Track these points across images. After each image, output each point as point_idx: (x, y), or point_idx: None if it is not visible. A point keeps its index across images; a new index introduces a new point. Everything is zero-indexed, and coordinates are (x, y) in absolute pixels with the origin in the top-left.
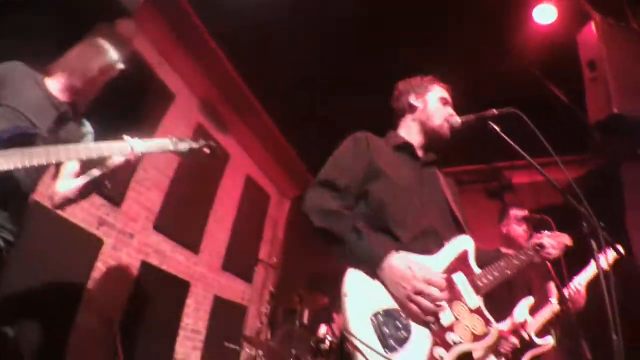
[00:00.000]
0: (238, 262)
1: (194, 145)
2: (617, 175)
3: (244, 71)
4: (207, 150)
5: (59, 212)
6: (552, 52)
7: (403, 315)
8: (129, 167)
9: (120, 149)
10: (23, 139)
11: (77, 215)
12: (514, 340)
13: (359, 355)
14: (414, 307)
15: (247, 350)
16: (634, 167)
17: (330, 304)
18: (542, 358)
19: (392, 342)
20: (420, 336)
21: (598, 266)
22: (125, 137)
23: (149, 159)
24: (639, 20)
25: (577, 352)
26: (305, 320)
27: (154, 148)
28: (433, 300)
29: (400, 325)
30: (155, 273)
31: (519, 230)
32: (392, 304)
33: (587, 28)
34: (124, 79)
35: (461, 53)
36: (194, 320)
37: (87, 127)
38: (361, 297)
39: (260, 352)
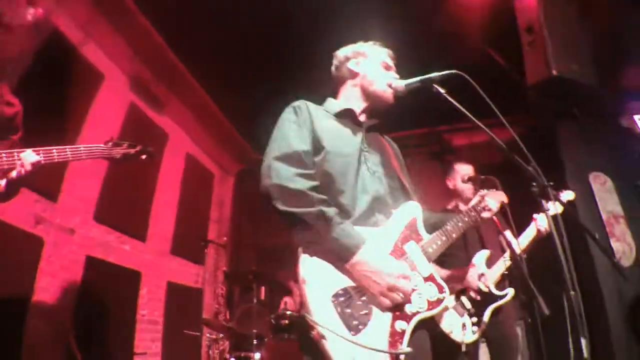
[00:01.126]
0: (187, 245)
1: (130, 151)
2: (554, 133)
3: (175, 45)
4: (143, 157)
5: None
6: (491, 15)
7: (363, 293)
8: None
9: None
10: None
11: (10, 215)
12: (474, 294)
13: (324, 342)
14: (386, 301)
15: (207, 335)
16: (569, 124)
17: (285, 276)
18: (504, 311)
19: (355, 322)
20: (380, 312)
21: (549, 223)
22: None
23: (81, 143)
24: None
25: (531, 307)
26: (262, 296)
27: (85, 154)
28: (405, 294)
29: (361, 304)
30: (102, 267)
31: (464, 185)
32: (349, 282)
33: None
34: (47, 61)
35: (400, 15)
36: (150, 310)
37: (17, 106)
38: (319, 281)
39: (221, 335)
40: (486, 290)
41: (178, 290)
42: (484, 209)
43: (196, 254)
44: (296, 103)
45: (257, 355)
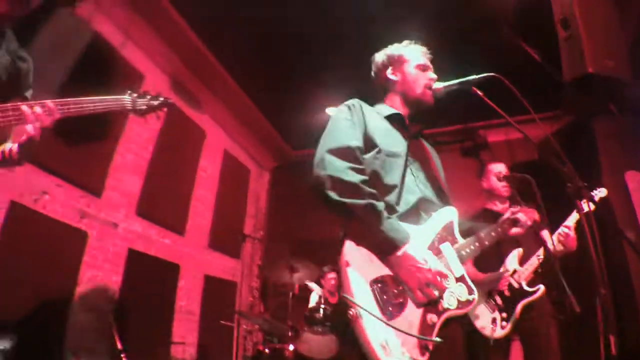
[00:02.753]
0: (224, 239)
1: (154, 102)
2: (589, 129)
3: (212, 45)
4: (164, 109)
5: (39, 209)
6: (526, 9)
7: (399, 283)
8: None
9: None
10: None
11: (57, 210)
12: (507, 290)
13: (360, 321)
14: (422, 296)
15: (243, 327)
16: (605, 120)
17: (319, 271)
18: (537, 306)
19: (390, 308)
20: (417, 303)
21: (583, 219)
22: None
23: (124, 144)
24: None
25: (563, 304)
26: (297, 290)
27: (111, 104)
28: (440, 291)
29: (397, 292)
30: (143, 259)
31: (499, 184)
32: (387, 272)
33: None
34: (89, 63)
35: (433, 11)
36: (187, 302)
37: (29, 64)
38: (361, 265)
39: (256, 326)
40: (517, 286)
41: (214, 282)
42: (514, 223)
43: (232, 248)
44: (350, 102)
45: (291, 347)
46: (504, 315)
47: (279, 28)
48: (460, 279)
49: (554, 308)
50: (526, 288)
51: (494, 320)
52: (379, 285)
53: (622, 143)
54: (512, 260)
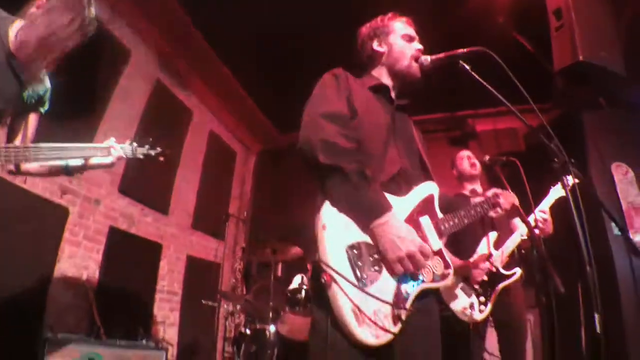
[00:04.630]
0: (208, 220)
1: (151, 152)
2: (579, 122)
3: (202, 24)
4: (161, 159)
5: (19, 184)
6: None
7: (374, 251)
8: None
9: (102, 155)
10: None
11: (38, 185)
12: (483, 274)
13: (334, 285)
14: (399, 267)
15: (224, 307)
16: (595, 113)
17: (303, 254)
18: (512, 293)
19: (364, 275)
20: (393, 273)
21: (567, 193)
22: (111, 143)
23: (108, 120)
24: None
25: (547, 286)
26: (280, 272)
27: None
28: (420, 266)
29: (372, 260)
30: (125, 238)
31: (464, 163)
32: (365, 238)
33: None
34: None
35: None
36: (169, 282)
37: (46, 83)
38: (338, 229)
39: (238, 307)
40: (494, 270)
41: (197, 263)
42: (494, 205)
43: (216, 229)
44: (336, 70)
45: (272, 328)
46: (482, 299)
47: (270, 9)
48: (437, 253)
49: (536, 291)
50: (503, 271)
51: (471, 305)
52: (355, 251)
53: (610, 136)
54: (486, 244)
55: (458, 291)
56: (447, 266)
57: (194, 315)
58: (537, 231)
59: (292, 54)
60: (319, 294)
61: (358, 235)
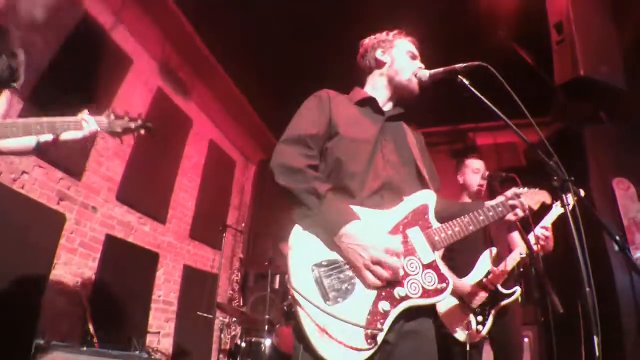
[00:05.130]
0: (206, 230)
1: (131, 125)
2: (580, 136)
3: (204, 33)
4: (142, 132)
5: (17, 189)
6: (520, 13)
7: (347, 268)
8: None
9: (74, 129)
10: None
11: (36, 191)
12: (482, 293)
13: (298, 308)
14: (370, 276)
15: (220, 318)
16: (596, 128)
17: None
18: (510, 312)
19: (333, 293)
20: (364, 289)
21: (566, 212)
22: (84, 115)
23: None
24: None
25: (546, 305)
26: (277, 285)
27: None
28: (392, 269)
29: (343, 277)
30: (121, 246)
31: (473, 177)
32: (336, 256)
33: None
34: (77, 44)
35: (429, 12)
36: (165, 292)
37: (20, 56)
38: (304, 249)
39: (234, 319)
40: (492, 288)
41: (194, 273)
42: (512, 207)
43: (214, 239)
44: (320, 92)
45: (268, 341)
46: (479, 318)
47: (273, 20)
48: (429, 266)
49: (535, 310)
50: (502, 290)
51: (468, 324)
52: (323, 269)
53: (611, 150)
54: (484, 261)
55: (455, 309)
56: (442, 280)
57: (189, 326)
58: (537, 247)
59: (294, 63)
60: (292, 313)
61: (325, 254)
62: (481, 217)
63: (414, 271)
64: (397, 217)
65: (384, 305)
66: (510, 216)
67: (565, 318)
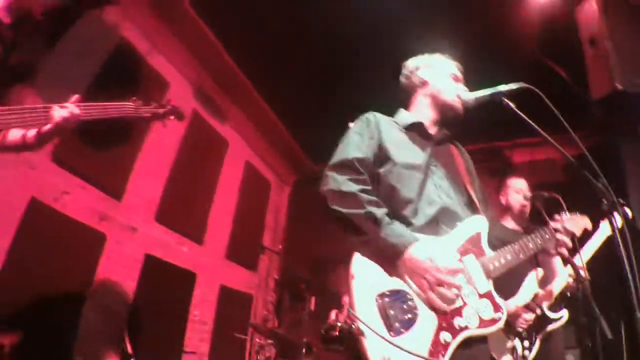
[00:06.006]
0: (242, 250)
1: (159, 110)
2: (617, 152)
3: (237, 56)
4: (172, 117)
5: (58, 209)
6: (551, 28)
7: (410, 298)
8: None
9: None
10: None
11: (77, 211)
12: (528, 316)
13: (362, 338)
14: (436, 299)
15: (257, 340)
16: (632, 141)
17: (338, 289)
18: (553, 338)
19: (397, 324)
20: (426, 320)
21: (616, 241)
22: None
23: (147, 149)
24: None
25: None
26: (312, 306)
27: (113, 112)
28: (456, 288)
29: (406, 308)
30: (159, 266)
31: (516, 197)
32: (400, 285)
33: (588, 3)
34: (116, 70)
35: (461, 30)
36: (201, 311)
37: (40, 52)
38: (367, 278)
39: (269, 341)
40: (539, 311)
41: (230, 294)
42: (561, 232)
43: (250, 260)
44: (367, 115)
45: None
46: (526, 344)
47: (305, 42)
48: (485, 295)
49: (579, 334)
50: (549, 314)
51: (513, 349)
52: (387, 299)
53: None
54: (531, 283)
55: (501, 334)
56: (497, 309)
57: (224, 347)
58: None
59: (328, 85)
60: (352, 342)
61: (389, 283)
62: (530, 245)
63: (471, 300)
64: (453, 245)
65: (445, 336)
66: (551, 248)
67: (609, 345)
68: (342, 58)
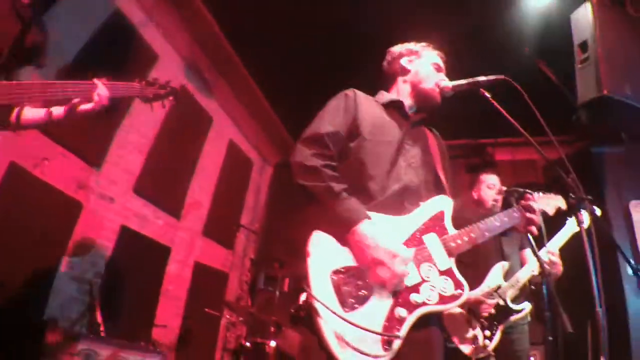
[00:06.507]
0: (219, 228)
1: (161, 92)
2: (600, 157)
3: (231, 33)
4: (171, 98)
5: (37, 175)
6: (545, 32)
7: (365, 274)
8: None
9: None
10: None
11: (55, 178)
12: (490, 307)
13: (316, 312)
14: (376, 276)
15: (227, 317)
16: (616, 149)
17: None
18: (517, 329)
19: (351, 300)
20: (381, 295)
21: (581, 230)
22: (95, 80)
23: (130, 120)
24: (636, 5)
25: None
26: (286, 287)
27: (121, 91)
28: (393, 273)
29: (361, 284)
30: (135, 238)
31: (489, 193)
32: (355, 263)
33: (582, 8)
34: (106, 38)
35: (454, 25)
36: (175, 286)
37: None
38: (323, 256)
39: (241, 319)
40: (502, 303)
41: (204, 270)
42: (531, 211)
43: (227, 238)
44: (347, 91)
45: (273, 343)
46: (487, 333)
47: (299, 22)
48: (445, 272)
49: (544, 332)
50: (511, 305)
51: (475, 338)
52: (342, 275)
53: (630, 172)
54: (496, 275)
55: (462, 322)
56: (458, 286)
57: (196, 323)
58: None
59: (318, 68)
60: (307, 317)
61: (343, 259)
62: (497, 223)
63: (430, 277)
64: (414, 224)
65: (400, 311)
66: (529, 215)
67: (573, 339)
68: (333, 41)
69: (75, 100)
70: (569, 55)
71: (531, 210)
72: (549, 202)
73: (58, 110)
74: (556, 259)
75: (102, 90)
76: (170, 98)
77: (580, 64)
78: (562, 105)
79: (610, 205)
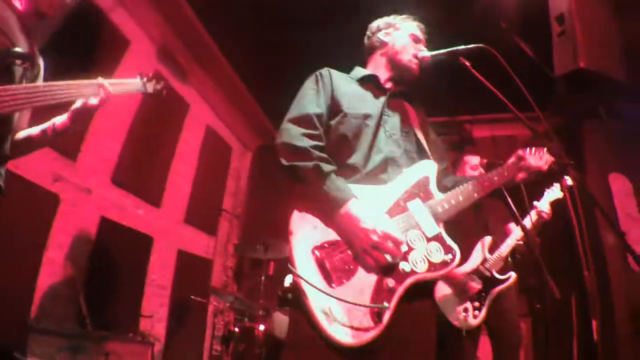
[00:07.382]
0: (201, 215)
1: (158, 87)
2: (579, 131)
3: (205, 17)
4: (164, 92)
5: (11, 168)
6: (522, 6)
7: (348, 247)
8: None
9: (92, 92)
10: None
11: (29, 171)
12: (477, 280)
13: (303, 289)
14: (368, 259)
15: (214, 304)
16: (594, 123)
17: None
18: (506, 300)
19: (336, 274)
20: (368, 267)
21: (569, 200)
22: (100, 79)
23: (104, 108)
24: None
25: (542, 292)
26: (271, 271)
27: (126, 88)
28: (392, 255)
29: (346, 258)
30: (116, 229)
31: (472, 174)
32: (336, 236)
33: None
34: (73, 24)
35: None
36: (159, 276)
37: (40, 62)
38: (305, 233)
39: (228, 304)
40: (488, 274)
41: (188, 258)
42: (521, 168)
43: (209, 224)
44: (321, 70)
45: (262, 327)
46: (476, 304)
47: (274, 3)
48: (434, 238)
49: (529, 296)
50: (497, 276)
51: (465, 310)
52: (324, 251)
53: (609, 146)
54: (481, 249)
55: (452, 295)
56: (448, 250)
57: (183, 311)
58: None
59: (295, 51)
60: (295, 298)
61: (326, 235)
62: (486, 183)
63: (418, 245)
64: (397, 192)
65: (389, 282)
66: (520, 175)
67: (559, 307)
68: (309, 17)
69: (78, 104)
70: (546, 30)
71: (523, 166)
72: (541, 159)
73: (61, 119)
74: (547, 208)
75: (107, 88)
76: (164, 92)
77: (557, 37)
78: (539, 80)
79: (590, 178)
